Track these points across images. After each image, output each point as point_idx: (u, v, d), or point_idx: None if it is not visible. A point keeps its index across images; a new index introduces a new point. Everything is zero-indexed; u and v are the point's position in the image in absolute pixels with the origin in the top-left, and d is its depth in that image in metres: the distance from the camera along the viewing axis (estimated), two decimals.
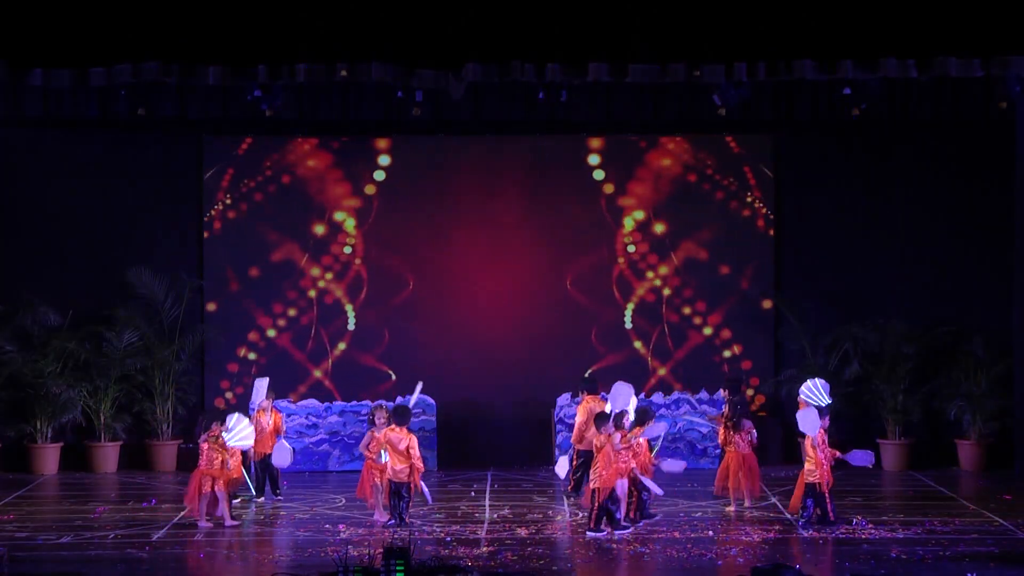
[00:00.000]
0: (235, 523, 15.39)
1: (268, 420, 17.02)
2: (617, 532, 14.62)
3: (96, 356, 19.35)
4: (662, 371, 20.06)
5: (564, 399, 19.10)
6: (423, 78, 15.78)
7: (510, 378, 19.70)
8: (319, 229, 20.01)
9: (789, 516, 15.45)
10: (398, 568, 11.71)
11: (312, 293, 20.03)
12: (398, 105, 17.69)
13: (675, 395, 19.49)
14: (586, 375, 17.61)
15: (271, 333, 19.98)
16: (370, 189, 20.01)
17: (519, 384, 19.76)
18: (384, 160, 19.98)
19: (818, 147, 19.95)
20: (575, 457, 17.03)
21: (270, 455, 16.91)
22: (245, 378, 19.71)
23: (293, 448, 17.20)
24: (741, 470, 16.19)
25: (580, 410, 17.07)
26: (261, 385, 17.12)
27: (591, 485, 14.84)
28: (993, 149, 19.34)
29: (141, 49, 15.46)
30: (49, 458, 19.28)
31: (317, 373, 20.01)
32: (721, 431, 16.53)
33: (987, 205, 19.56)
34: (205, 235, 19.95)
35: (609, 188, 20.02)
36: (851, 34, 15.50)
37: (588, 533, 14.62)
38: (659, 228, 20.07)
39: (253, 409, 16.90)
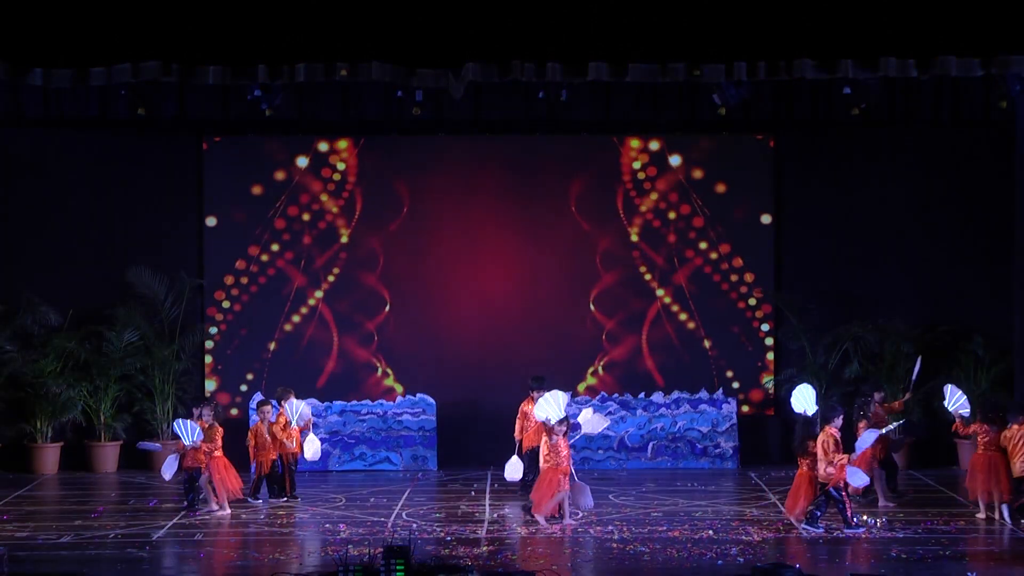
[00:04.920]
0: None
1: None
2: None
3: (96, 356, 19.36)
4: (661, 291, 20.11)
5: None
6: (423, 78, 15.78)
7: (510, 377, 19.65)
8: (323, 146, 20.00)
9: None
10: (398, 568, 11.71)
11: (306, 217, 20.04)
12: (398, 105, 17.71)
13: (675, 395, 19.51)
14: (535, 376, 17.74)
15: (263, 260, 20.07)
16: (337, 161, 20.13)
17: (519, 383, 19.71)
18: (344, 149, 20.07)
19: (818, 147, 19.95)
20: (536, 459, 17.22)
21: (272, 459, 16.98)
22: (252, 289, 19.97)
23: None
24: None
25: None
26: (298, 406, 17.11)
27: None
28: (993, 149, 19.34)
29: (141, 49, 15.46)
30: (49, 458, 19.28)
31: (317, 295, 20.02)
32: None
33: (987, 205, 19.56)
34: (204, 146, 19.96)
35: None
36: (851, 34, 15.50)
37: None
38: (654, 145, 20.04)
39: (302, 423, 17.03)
